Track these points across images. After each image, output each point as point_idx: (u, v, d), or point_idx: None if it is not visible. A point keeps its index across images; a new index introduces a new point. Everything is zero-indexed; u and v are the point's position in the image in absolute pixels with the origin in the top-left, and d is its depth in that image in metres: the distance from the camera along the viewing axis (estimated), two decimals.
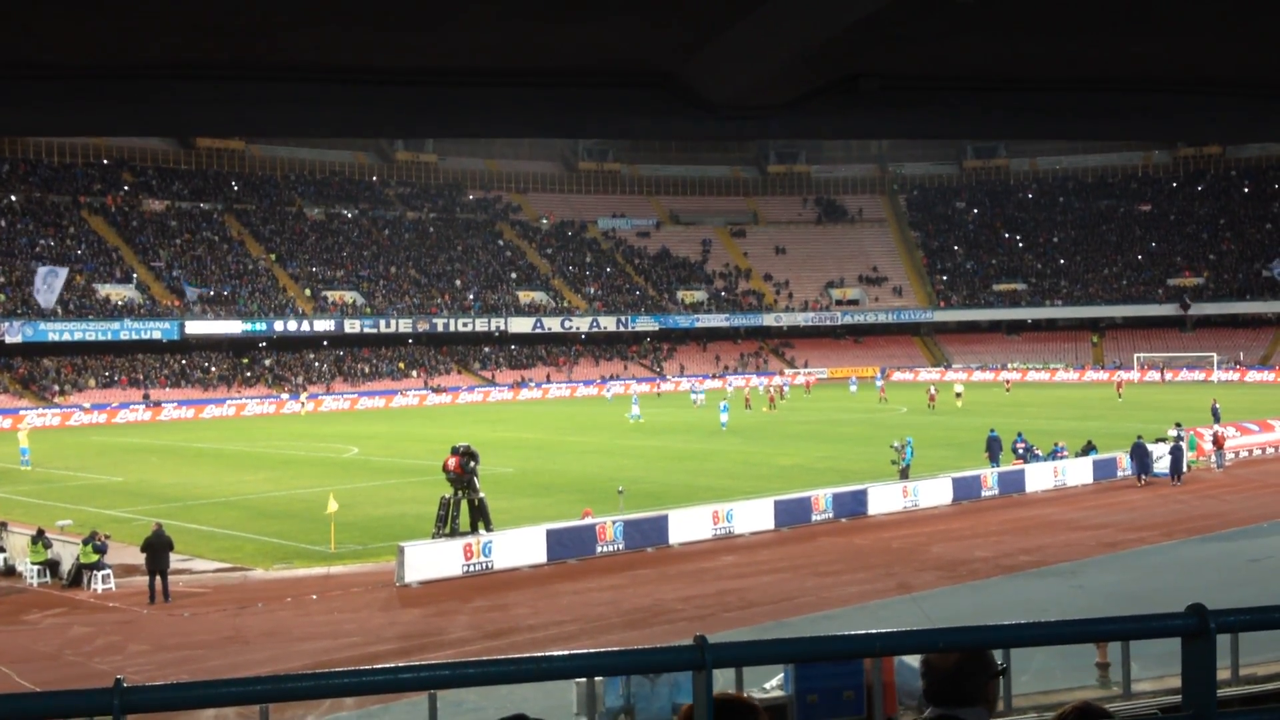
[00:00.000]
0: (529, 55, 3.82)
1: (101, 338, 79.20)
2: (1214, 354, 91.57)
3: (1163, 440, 39.36)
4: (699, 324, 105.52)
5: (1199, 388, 79.58)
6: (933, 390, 71.46)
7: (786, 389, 75.89)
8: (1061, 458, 39.77)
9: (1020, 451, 39.85)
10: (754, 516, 31.32)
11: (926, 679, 3.57)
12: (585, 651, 2.95)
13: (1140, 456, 38.37)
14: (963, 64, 4.06)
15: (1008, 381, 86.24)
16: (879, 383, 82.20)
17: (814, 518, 32.25)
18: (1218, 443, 41.80)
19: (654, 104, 4.07)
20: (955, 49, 3.88)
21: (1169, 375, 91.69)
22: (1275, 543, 28.87)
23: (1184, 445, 39.40)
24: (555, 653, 2.82)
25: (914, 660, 13.79)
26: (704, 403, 72.73)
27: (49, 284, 72.96)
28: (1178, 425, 42.09)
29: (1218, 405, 50.88)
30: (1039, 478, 37.83)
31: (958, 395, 70.02)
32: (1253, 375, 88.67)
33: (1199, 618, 2.88)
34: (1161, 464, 38.62)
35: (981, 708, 3.47)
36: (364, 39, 3.62)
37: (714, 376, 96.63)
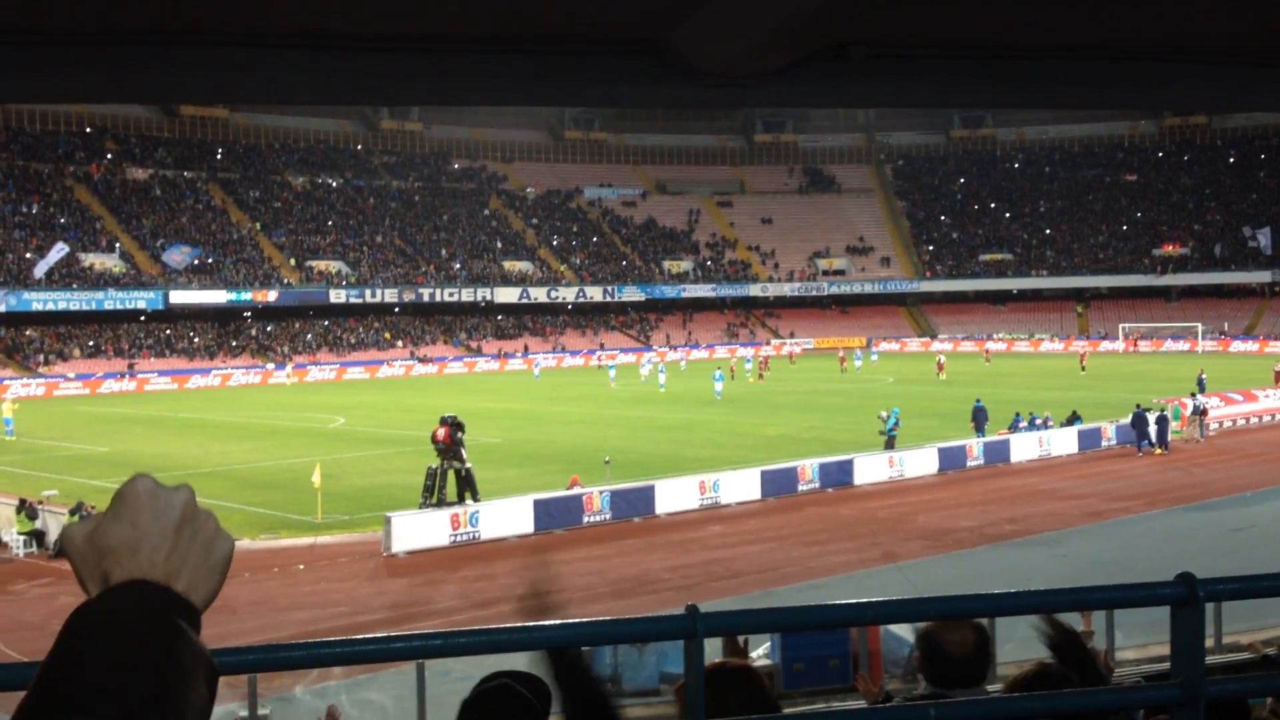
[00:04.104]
0: (515, 21, 3.78)
1: (85, 307, 78.82)
2: (1199, 324, 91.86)
3: (1148, 410, 39.46)
4: (685, 294, 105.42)
5: (1184, 358, 79.90)
6: (941, 359, 71.41)
7: (749, 365, 75.31)
8: (1038, 428, 39.76)
9: (1022, 430, 39.77)
10: (741, 486, 31.41)
11: (935, 661, 3.54)
12: (578, 621, 2.95)
13: (1140, 426, 38.41)
14: (953, 31, 4.04)
15: (988, 352, 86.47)
16: (867, 355, 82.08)
17: (800, 488, 32.35)
18: (1202, 413, 41.98)
19: (642, 71, 4.04)
20: (945, 15, 3.86)
21: (1148, 345, 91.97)
22: (1258, 512, 29.06)
23: (1169, 415, 39.61)
24: (548, 622, 2.81)
25: (900, 629, 13.86)
26: (645, 377, 70.47)
27: (48, 257, 73.15)
28: (1192, 395, 42.46)
29: (1204, 375, 51.11)
30: (1024, 448, 37.98)
31: (939, 365, 69.97)
32: (1236, 345, 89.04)
33: (1188, 586, 2.88)
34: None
35: (977, 689, 3.49)
36: (349, 4, 3.58)
37: (670, 347, 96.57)
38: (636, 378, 70.31)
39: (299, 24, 3.72)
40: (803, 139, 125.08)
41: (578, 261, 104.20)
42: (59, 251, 74.58)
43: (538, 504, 27.97)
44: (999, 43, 4.14)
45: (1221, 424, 43.66)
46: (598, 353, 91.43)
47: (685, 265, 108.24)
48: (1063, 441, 39.01)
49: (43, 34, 3.65)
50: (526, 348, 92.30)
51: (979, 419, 39.86)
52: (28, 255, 77.94)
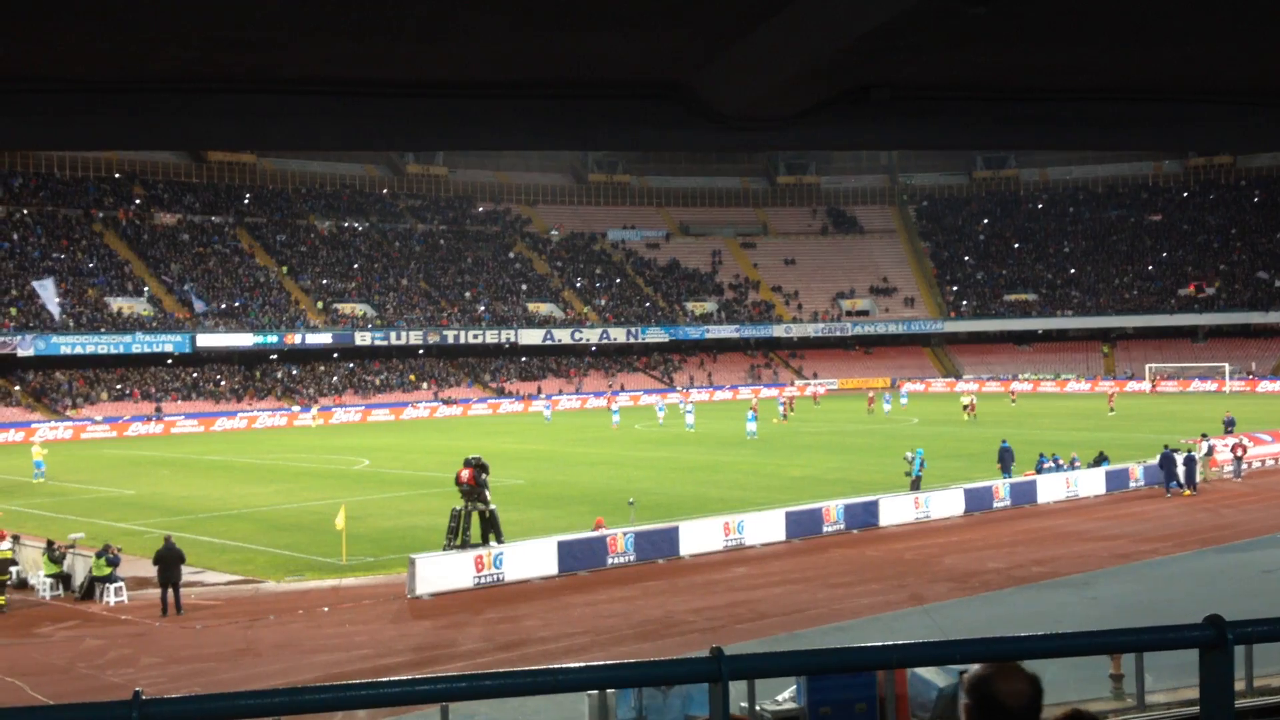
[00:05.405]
0: (540, 67, 3.82)
1: (113, 351, 79.35)
2: (1225, 364, 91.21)
3: (1176, 450, 39.16)
4: (709, 335, 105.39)
5: (1211, 398, 79.32)
6: (967, 400, 70.78)
7: (781, 406, 74.84)
8: (1062, 468, 39.43)
9: (1047, 471, 39.46)
10: (765, 528, 31.27)
11: (988, 712, 3.39)
12: (602, 664, 2.95)
13: (1167, 467, 38.04)
14: (973, 74, 4.05)
15: (1013, 393, 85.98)
16: (873, 395, 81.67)
17: (825, 529, 32.19)
18: (1232, 451, 41.63)
19: (665, 115, 4.07)
20: (966, 59, 3.88)
21: (1173, 385, 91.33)
22: None
23: (1196, 455, 39.28)
24: (572, 665, 2.81)
25: (928, 673, 13.72)
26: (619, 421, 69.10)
27: (47, 295, 73.86)
28: (1204, 436, 42.11)
29: (1232, 417, 50.66)
30: (1051, 489, 37.69)
31: (964, 407, 69.42)
32: (1264, 386, 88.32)
33: (1217, 629, 2.86)
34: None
35: None
36: (376, 52, 3.62)
37: (670, 388, 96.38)
38: (652, 420, 70.22)
39: (324, 72, 3.77)
40: (825, 180, 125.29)
41: (601, 303, 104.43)
42: (44, 288, 75.33)
43: (562, 546, 27.90)
44: (1020, 85, 4.15)
45: (1250, 464, 43.26)
46: (613, 394, 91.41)
47: (709, 306, 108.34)
48: (1090, 482, 38.71)
49: (72, 82, 3.71)
50: (540, 389, 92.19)
51: (1005, 460, 39.62)
52: (57, 300, 78.62)
